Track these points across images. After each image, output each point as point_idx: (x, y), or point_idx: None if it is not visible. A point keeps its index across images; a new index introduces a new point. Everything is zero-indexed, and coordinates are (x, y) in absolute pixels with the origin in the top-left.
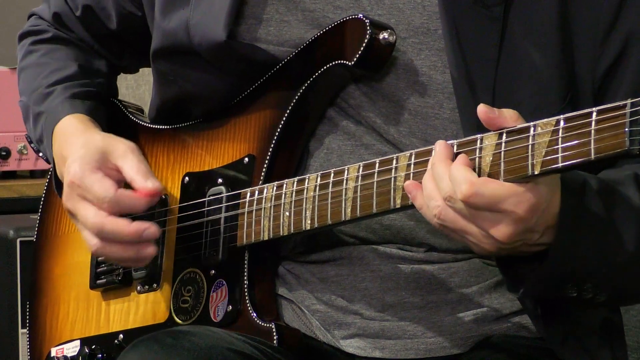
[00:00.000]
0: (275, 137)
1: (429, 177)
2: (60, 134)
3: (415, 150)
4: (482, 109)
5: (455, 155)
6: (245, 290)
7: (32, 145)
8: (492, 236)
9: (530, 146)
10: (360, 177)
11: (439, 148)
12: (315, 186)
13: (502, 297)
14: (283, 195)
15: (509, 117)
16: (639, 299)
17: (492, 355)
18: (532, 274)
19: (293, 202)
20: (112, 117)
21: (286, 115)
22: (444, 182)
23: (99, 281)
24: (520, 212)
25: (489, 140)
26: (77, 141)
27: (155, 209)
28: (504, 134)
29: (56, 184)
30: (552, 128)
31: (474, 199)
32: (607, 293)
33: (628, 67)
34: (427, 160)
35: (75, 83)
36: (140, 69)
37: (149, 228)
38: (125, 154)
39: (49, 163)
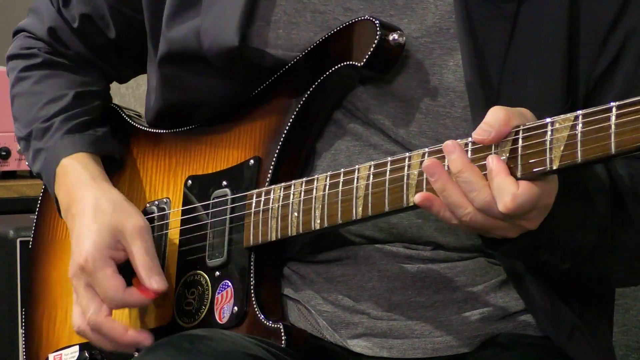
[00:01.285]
0: (282, 139)
1: (451, 184)
2: (65, 181)
3: (429, 148)
4: (476, 138)
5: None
6: (252, 291)
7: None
8: (525, 227)
9: (548, 141)
10: (371, 176)
11: (460, 154)
12: (325, 186)
13: (507, 295)
14: (291, 195)
15: (500, 120)
16: (594, 275)
17: (499, 355)
18: (517, 238)
19: (302, 202)
20: (112, 125)
21: (293, 116)
22: (476, 190)
23: None
24: (550, 200)
25: (505, 137)
26: (84, 200)
27: (156, 213)
28: (521, 131)
29: (59, 210)
30: (571, 123)
31: (515, 211)
32: (570, 262)
33: (622, 68)
34: (441, 159)
35: (72, 114)
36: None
37: (144, 341)
38: (134, 238)
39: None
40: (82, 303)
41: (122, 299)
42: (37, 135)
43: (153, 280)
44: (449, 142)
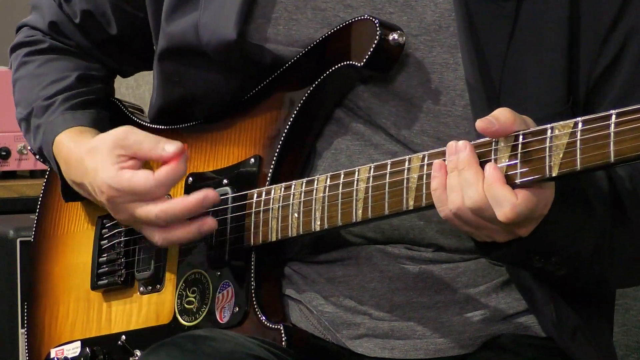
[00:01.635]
0: (282, 138)
1: (455, 173)
2: (60, 152)
3: (428, 151)
4: (479, 125)
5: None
6: (252, 291)
7: (36, 157)
8: (516, 233)
9: (547, 148)
10: (371, 178)
11: (469, 152)
12: (325, 187)
13: (508, 296)
14: (292, 196)
15: (506, 119)
16: (592, 279)
17: (499, 356)
18: (510, 243)
19: (302, 203)
20: (113, 117)
21: (293, 115)
22: (472, 190)
23: (100, 282)
24: (545, 211)
25: (505, 142)
26: (78, 158)
27: None
28: (520, 136)
29: (64, 191)
30: (570, 130)
31: (515, 220)
32: (567, 268)
33: (622, 68)
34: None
35: (74, 93)
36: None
37: (207, 195)
38: (126, 139)
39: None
40: (144, 219)
41: (157, 183)
42: (37, 112)
43: (164, 148)
44: (459, 142)
